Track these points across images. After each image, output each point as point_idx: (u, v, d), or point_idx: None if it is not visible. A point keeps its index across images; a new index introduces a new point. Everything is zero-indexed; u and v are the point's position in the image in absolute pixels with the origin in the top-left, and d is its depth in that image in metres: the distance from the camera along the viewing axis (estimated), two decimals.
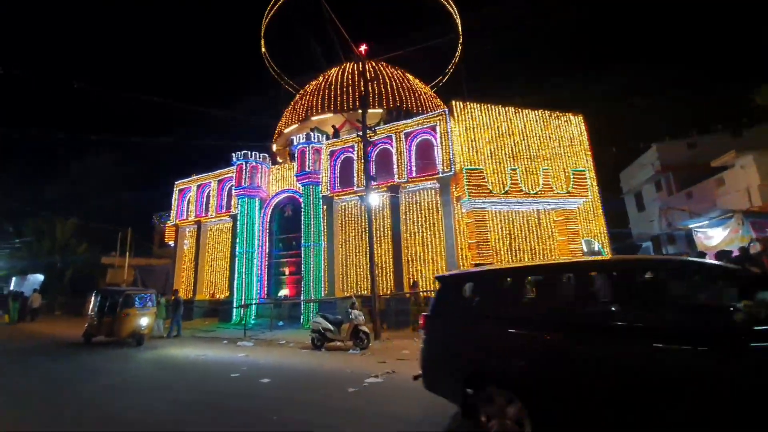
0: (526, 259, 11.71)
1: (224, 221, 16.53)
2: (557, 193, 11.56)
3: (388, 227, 12.48)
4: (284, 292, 14.63)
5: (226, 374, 6.37)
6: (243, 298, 14.30)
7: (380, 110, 16.66)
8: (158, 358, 8.21)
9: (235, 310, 14.31)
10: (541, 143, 12.63)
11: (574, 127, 13.27)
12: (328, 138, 14.43)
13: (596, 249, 12.96)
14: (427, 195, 12.15)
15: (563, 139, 12.89)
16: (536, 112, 12.73)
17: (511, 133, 12.32)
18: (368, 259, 12.49)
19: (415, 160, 12.15)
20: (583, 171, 12.18)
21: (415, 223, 12.17)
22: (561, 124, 12.94)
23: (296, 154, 13.86)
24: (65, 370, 6.96)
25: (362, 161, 12.96)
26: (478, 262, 10.67)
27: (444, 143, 11.60)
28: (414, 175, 12.04)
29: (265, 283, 14.91)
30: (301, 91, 20.01)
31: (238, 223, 15.03)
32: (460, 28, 19.94)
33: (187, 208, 17.64)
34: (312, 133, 13.85)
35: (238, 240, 14.91)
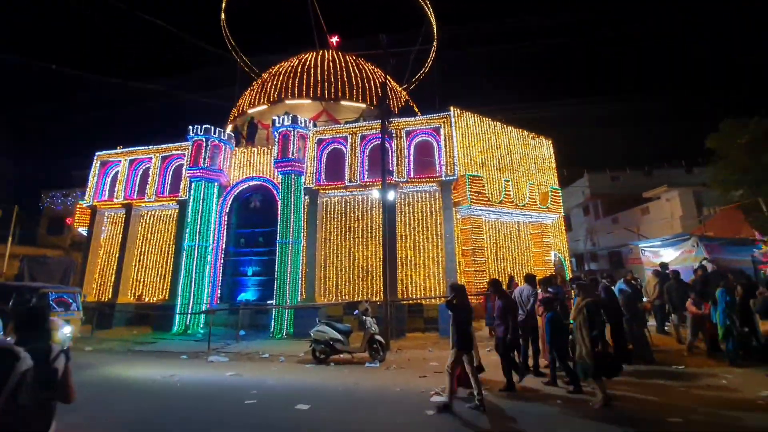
0: (509, 268, 12.12)
1: (166, 207, 13.87)
2: (539, 208, 12.36)
3: (377, 225, 11.82)
4: (245, 296, 12.78)
5: (238, 401, 4.88)
6: (191, 302, 12.09)
7: (362, 105, 16.01)
8: (112, 384, 6.04)
9: (177, 317, 12.00)
10: (522, 159, 13.42)
11: (545, 148, 14.42)
12: (314, 125, 13.15)
13: (558, 260, 14.12)
14: (423, 197, 11.84)
15: (537, 158, 13.93)
16: (517, 130, 13.52)
17: (498, 146, 12.85)
18: (351, 262, 11.89)
19: (413, 161, 11.80)
20: (558, 189, 13.27)
21: (408, 226, 11.73)
22: (536, 144, 13.95)
23: (277, 138, 12.38)
24: None
25: (355, 155, 12.24)
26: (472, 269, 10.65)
27: (448, 146, 11.37)
28: (413, 175, 11.53)
29: (218, 284, 12.88)
30: (270, 71, 18.28)
31: (189, 210, 12.71)
32: (435, 31, 20.33)
33: (112, 187, 14.42)
34: (299, 117, 12.45)
35: (188, 231, 12.56)
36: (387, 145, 11.42)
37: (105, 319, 12.46)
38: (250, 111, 16.39)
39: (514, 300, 5.69)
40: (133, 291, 13.59)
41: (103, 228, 14.44)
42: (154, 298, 13.24)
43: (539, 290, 5.95)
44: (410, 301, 10.56)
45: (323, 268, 11.91)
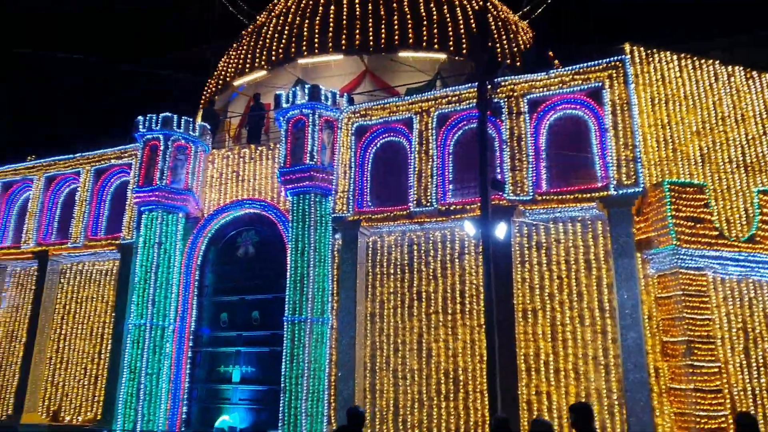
0: None
1: (102, 257, 14.85)
2: None
3: (476, 288, 11.44)
4: (227, 419, 12.86)
5: None
6: (138, 426, 12.44)
7: (439, 55, 16.10)
8: None
9: None
10: None
11: None
12: (349, 101, 13.26)
13: None
14: (568, 232, 11.16)
15: None
16: None
17: (740, 120, 11.88)
18: (423, 361, 11.73)
19: (546, 160, 11.30)
20: None
21: (539, 290, 11.08)
22: None
23: (283, 128, 12.79)
24: None
25: (428, 153, 11.91)
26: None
27: (622, 125, 10.67)
28: (546, 188, 11.15)
29: (183, 395, 13.31)
30: (268, 10, 19.39)
31: (138, 262, 13.43)
32: None
33: (20, 224, 15.86)
34: (321, 88, 12.60)
35: (134, 299, 13.15)
36: (491, 129, 11.20)
37: None
38: (236, 83, 17.12)
39: None
40: (47, 404, 14.43)
41: (4, 294, 15.64)
42: (79, 418, 13.93)
43: None
44: None
45: (370, 371, 11.98)
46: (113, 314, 13.87)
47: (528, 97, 11.44)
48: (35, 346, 14.41)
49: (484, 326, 10.30)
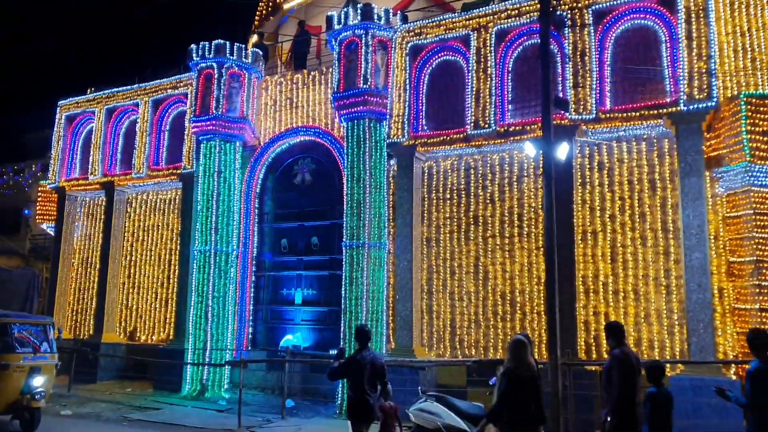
0: None
1: (164, 186, 15.46)
2: None
3: (534, 210, 11.37)
4: (290, 338, 13.55)
5: None
6: (207, 345, 13.20)
7: None
8: None
9: (189, 369, 13.30)
10: None
11: None
12: (403, 20, 12.87)
13: None
14: (632, 151, 10.83)
15: None
16: None
17: None
18: (480, 284, 11.80)
19: (611, 76, 10.81)
20: None
21: (599, 211, 10.90)
22: None
23: (336, 51, 12.59)
24: None
25: (486, 72, 11.56)
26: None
27: (698, 35, 9.99)
28: (611, 106, 10.69)
29: (248, 317, 14.05)
30: None
31: (198, 189, 13.86)
32: None
33: (85, 155, 16.47)
34: (374, 6, 12.18)
35: (197, 227, 13.70)
36: (553, 44, 10.72)
37: (87, 367, 14.46)
38: (287, 5, 16.93)
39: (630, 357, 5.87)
40: (123, 325, 15.54)
41: (77, 223, 16.53)
42: (153, 337, 15.01)
43: None
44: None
45: (427, 293, 12.19)
46: (179, 241, 14.48)
47: (593, 7, 10.84)
48: (108, 272, 15.25)
49: (541, 249, 10.55)
